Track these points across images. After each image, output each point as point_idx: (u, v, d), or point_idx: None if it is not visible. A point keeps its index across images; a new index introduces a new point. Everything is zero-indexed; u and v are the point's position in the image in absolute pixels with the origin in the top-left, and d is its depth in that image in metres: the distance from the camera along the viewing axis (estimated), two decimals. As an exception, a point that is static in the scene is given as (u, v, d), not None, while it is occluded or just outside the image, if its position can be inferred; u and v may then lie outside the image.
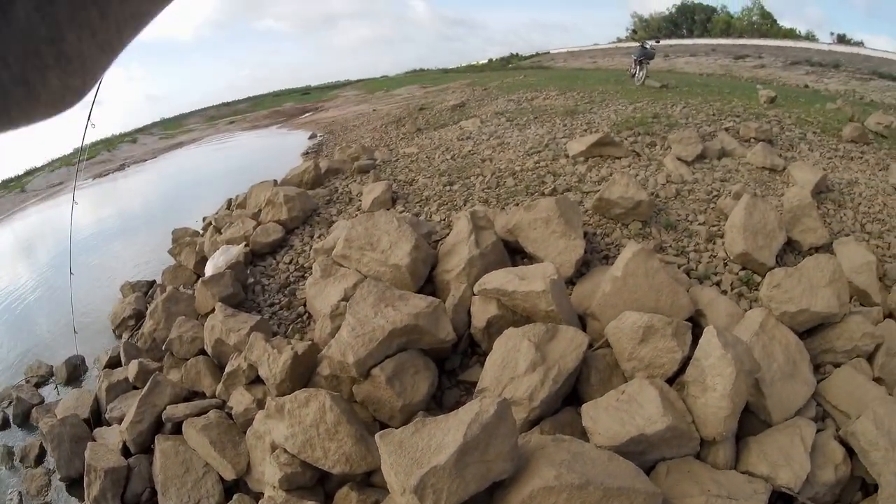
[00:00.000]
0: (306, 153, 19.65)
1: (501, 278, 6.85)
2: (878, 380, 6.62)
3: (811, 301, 6.70)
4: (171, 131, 40.65)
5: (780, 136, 13.66)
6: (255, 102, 56.43)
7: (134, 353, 9.13)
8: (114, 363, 9.36)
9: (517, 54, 75.40)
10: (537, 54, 75.95)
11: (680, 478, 5.15)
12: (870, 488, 5.49)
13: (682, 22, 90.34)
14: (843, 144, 13.83)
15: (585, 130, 13.60)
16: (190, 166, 26.84)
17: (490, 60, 72.11)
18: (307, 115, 35.46)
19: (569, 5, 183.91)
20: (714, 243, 8.65)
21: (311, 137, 23.70)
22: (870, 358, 6.82)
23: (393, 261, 7.75)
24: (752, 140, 12.97)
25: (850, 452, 5.57)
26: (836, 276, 7.01)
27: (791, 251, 8.76)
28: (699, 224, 9.16)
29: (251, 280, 10.09)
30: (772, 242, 8.15)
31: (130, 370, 8.52)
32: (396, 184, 12.28)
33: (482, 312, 6.91)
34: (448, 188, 11.46)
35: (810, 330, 6.95)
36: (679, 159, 11.25)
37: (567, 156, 11.81)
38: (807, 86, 35.46)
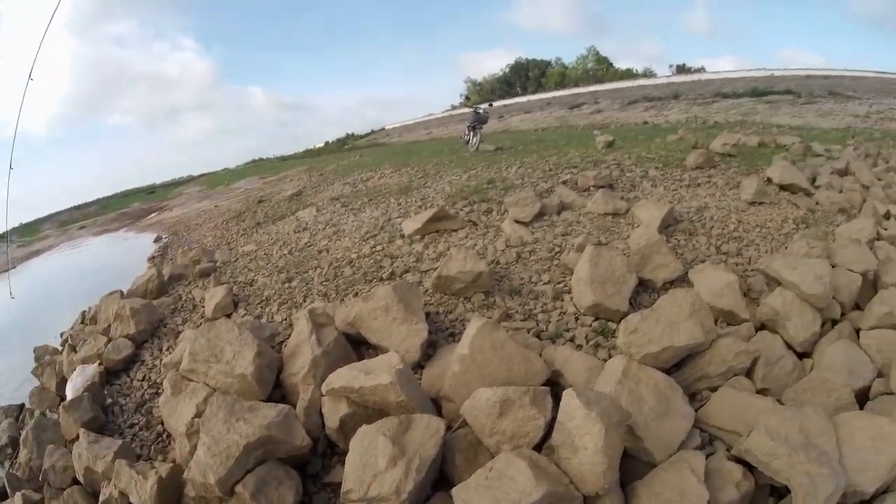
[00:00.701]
0: (152, 258, 19.46)
1: (347, 375, 6.72)
2: (763, 391, 6.98)
3: (673, 337, 6.88)
4: (28, 238, 39.87)
5: (620, 179, 14.32)
6: (104, 205, 55.47)
7: (16, 485, 8.69)
8: (2, 494, 8.90)
9: (353, 134, 79.66)
10: (372, 132, 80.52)
11: (576, 537, 5.07)
12: (782, 491, 5.68)
13: (516, 80, 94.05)
14: (689, 173, 14.67)
15: (420, 207, 13.83)
16: (46, 276, 26.29)
17: (327, 143, 75.39)
18: (153, 215, 35.82)
19: (401, 79, 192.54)
20: (562, 300, 8.78)
21: (156, 240, 23.54)
22: (749, 373, 7.19)
23: (238, 371, 7.50)
24: (592, 188, 13.52)
25: (750, 466, 5.75)
26: (696, 306, 7.25)
27: (646, 290, 9.01)
28: (544, 283, 9.30)
29: (109, 401, 9.59)
30: (622, 288, 8.38)
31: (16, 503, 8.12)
32: (237, 286, 12.03)
33: (333, 412, 6.77)
34: (287, 285, 11.28)
35: (679, 363, 7.18)
36: (517, 222, 11.51)
37: (403, 236, 11.95)
38: (646, 122, 37.80)
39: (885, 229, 11.32)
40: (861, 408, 6.77)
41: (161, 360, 10.33)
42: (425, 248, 11.28)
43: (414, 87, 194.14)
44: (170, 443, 8.32)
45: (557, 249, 10.47)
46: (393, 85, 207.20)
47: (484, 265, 9.00)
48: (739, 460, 5.88)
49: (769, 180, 13.88)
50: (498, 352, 6.82)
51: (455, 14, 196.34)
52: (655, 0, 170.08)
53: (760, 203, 12.66)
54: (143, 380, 10.14)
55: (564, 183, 14.12)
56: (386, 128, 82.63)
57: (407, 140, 53.88)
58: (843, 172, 15.89)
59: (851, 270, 8.99)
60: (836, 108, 35.31)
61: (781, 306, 7.97)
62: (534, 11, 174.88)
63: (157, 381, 9.84)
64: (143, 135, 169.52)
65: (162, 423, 8.65)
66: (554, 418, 5.83)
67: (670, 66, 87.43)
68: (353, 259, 11.60)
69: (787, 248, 10.34)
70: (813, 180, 14.56)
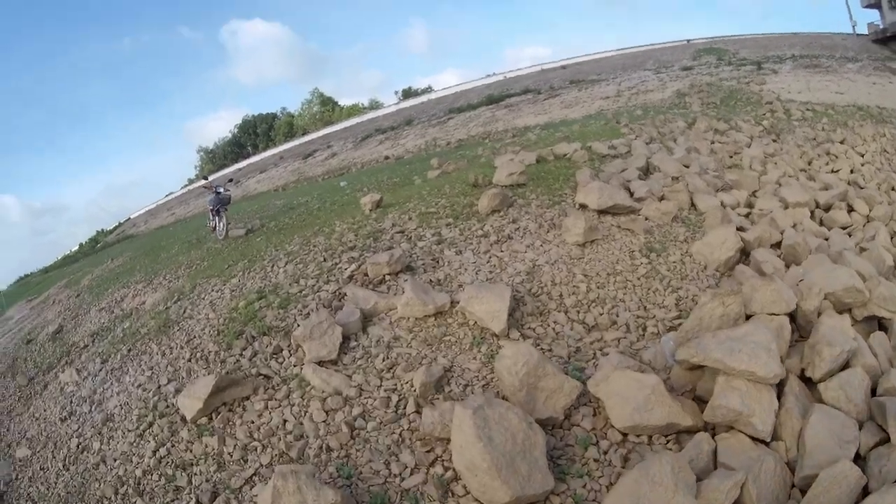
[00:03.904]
0: None
1: None
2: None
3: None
4: None
5: (414, 254, 11.65)
6: None
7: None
8: None
9: (102, 230, 73.20)
10: (120, 224, 75.58)
11: None
12: None
13: (247, 140, 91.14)
14: (489, 223, 12.48)
15: (190, 359, 10.20)
16: None
17: (81, 245, 68.27)
18: None
19: (136, 160, 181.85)
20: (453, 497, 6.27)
21: None
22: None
23: None
24: (388, 278, 10.74)
25: None
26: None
27: (550, 433, 6.83)
28: (414, 475, 6.63)
29: None
30: (536, 456, 6.11)
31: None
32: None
33: None
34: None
35: None
36: (321, 364, 8.59)
37: (185, 420, 8.39)
38: (387, 157, 35.16)
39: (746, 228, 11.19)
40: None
41: None
42: (221, 442, 7.80)
43: (149, 166, 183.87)
44: None
45: (400, 400, 7.81)
46: (129, 167, 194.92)
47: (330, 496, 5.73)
48: None
49: (582, 206, 12.19)
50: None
51: (173, 82, 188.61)
52: (368, 30, 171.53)
53: (592, 242, 11.09)
54: None
55: (352, 279, 11.02)
56: (132, 217, 77.80)
57: (153, 227, 49.92)
58: (646, 170, 14.88)
59: (774, 314, 7.81)
60: (581, 96, 34.87)
61: (741, 404, 6.31)
62: (251, 64, 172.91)
63: None
64: None
65: None
66: None
67: (395, 92, 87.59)
68: (139, 478, 8.02)
69: (679, 306, 9.30)
70: (628, 191, 13.20)
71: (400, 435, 7.15)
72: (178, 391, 9.23)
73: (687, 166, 15.11)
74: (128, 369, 11.32)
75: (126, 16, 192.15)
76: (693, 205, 13.08)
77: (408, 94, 79.90)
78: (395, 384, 8.03)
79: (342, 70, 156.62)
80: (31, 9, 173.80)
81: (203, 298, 12.91)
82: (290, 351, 9.23)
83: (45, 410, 12.38)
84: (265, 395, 8.30)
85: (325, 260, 12.20)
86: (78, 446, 9.79)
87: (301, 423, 7.65)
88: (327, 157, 46.11)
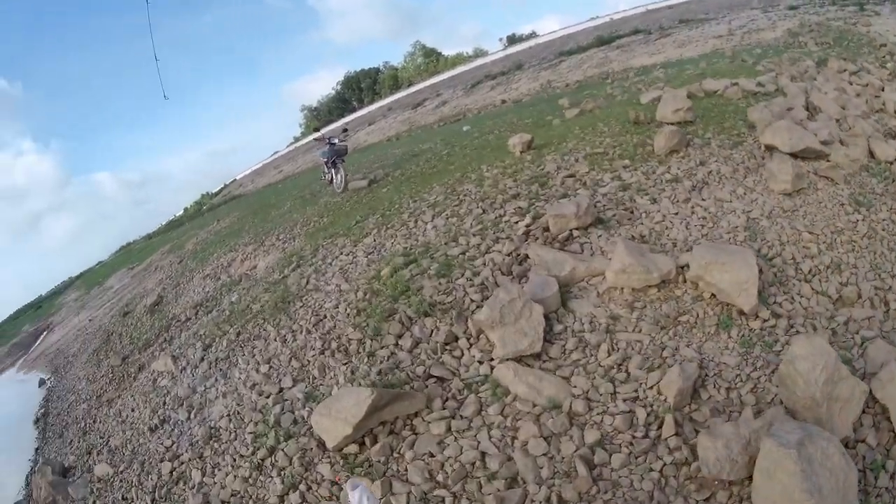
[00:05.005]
0: (36, 421, 15.41)
1: None
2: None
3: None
4: None
5: (598, 201, 8.96)
6: None
7: None
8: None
9: (207, 193, 73.18)
10: (225, 185, 75.57)
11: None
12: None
13: (351, 95, 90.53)
14: (674, 165, 9.74)
15: (323, 352, 7.72)
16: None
17: (185, 209, 68.44)
18: (40, 339, 32.27)
19: (236, 126, 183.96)
20: None
21: (41, 384, 19.49)
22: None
23: None
24: (575, 233, 8.09)
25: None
26: None
27: None
28: None
29: None
30: None
31: None
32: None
33: None
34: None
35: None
36: (521, 361, 6.08)
37: (324, 448, 6.04)
38: (503, 101, 32.51)
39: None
40: None
41: None
42: (386, 489, 5.36)
43: (251, 132, 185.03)
44: None
45: (648, 416, 5.46)
46: (230, 134, 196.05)
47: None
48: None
49: (769, 148, 9.77)
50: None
51: (266, 49, 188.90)
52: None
53: (799, 191, 8.72)
54: None
55: (529, 235, 8.40)
56: (237, 178, 77.80)
57: (260, 186, 48.99)
58: (812, 109, 12.40)
59: None
60: (693, 35, 31.90)
61: None
62: (344, 24, 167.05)
63: None
64: (13, 248, 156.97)
65: None
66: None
67: (500, 39, 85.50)
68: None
69: None
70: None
71: (661, 473, 4.88)
72: (308, 398, 6.90)
73: (843, 108, 12.49)
74: (237, 361, 9.11)
75: None
76: (870, 152, 10.55)
77: (513, 40, 77.51)
78: (636, 390, 5.66)
79: (440, 22, 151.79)
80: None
81: (330, 264, 10.58)
82: (468, 339, 6.75)
83: (132, 411, 10.56)
84: (444, 412, 5.86)
85: (483, 212, 9.64)
86: (171, 473, 7.64)
87: (509, 458, 5.20)
88: (438, 105, 43.74)
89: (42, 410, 16.07)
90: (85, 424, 11.95)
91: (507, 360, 6.05)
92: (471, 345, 6.61)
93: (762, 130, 10.00)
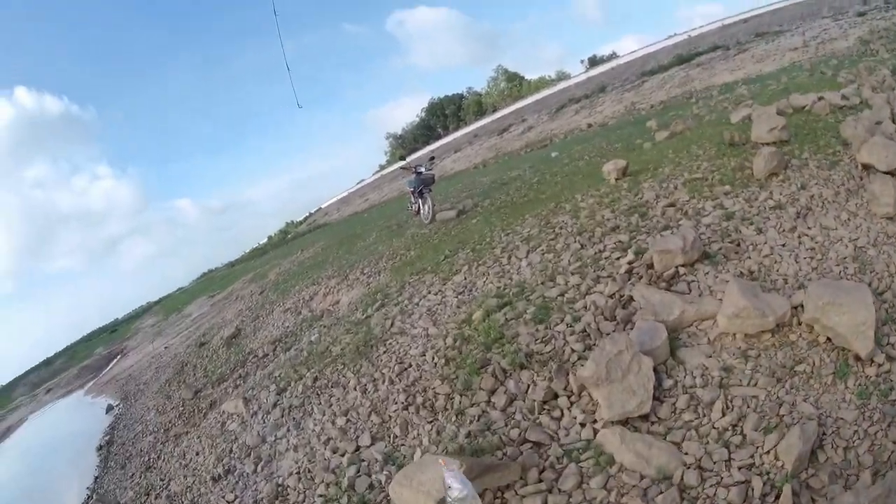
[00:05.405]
0: (99, 448, 15.62)
1: None
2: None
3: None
4: (1, 410, 36.36)
5: (704, 230, 8.21)
6: (70, 355, 51.68)
7: None
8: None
9: (292, 222, 75.24)
10: (310, 214, 78.47)
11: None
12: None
13: (436, 122, 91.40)
14: (777, 190, 8.85)
15: (407, 407, 7.09)
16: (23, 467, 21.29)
17: (269, 238, 70.93)
18: (113, 363, 33.86)
19: (322, 152, 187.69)
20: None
21: (108, 410, 20.02)
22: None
23: None
24: (680, 270, 7.33)
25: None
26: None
27: None
28: None
29: None
30: None
31: None
32: None
33: None
34: None
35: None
36: (628, 422, 5.48)
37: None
38: (590, 125, 32.05)
39: None
40: None
41: None
42: None
43: (337, 159, 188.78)
44: None
45: (765, 485, 4.74)
46: (314, 161, 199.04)
47: None
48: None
49: (866, 167, 8.92)
50: None
51: (347, 76, 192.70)
52: (540, 1, 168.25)
53: None
54: None
55: (632, 273, 7.65)
56: (323, 206, 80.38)
57: (346, 214, 49.62)
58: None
59: None
60: (770, 49, 31.43)
61: None
62: (425, 49, 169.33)
63: None
64: (91, 272, 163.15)
65: None
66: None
67: (581, 61, 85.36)
68: None
69: None
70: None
71: None
72: (388, 460, 6.34)
73: None
74: (312, 410, 8.64)
75: (281, 21, 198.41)
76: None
77: (594, 61, 77.15)
78: (752, 455, 4.91)
79: (520, 46, 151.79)
80: (185, 30, 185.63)
81: (417, 304, 10.05)
82: (568, 397, 6.05)
83: (197, 454, 10.27)
84: (541, 484, 5.18)
85: (582, 247, 8.96)
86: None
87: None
88: (524, 131, 43.52)
89: (107, 438, 16.13)
90: (149, 459, 11.82)
91: (613, 422, 5.37)
92: (571, 403, 5.90)
93: (858, 148, 9.13)
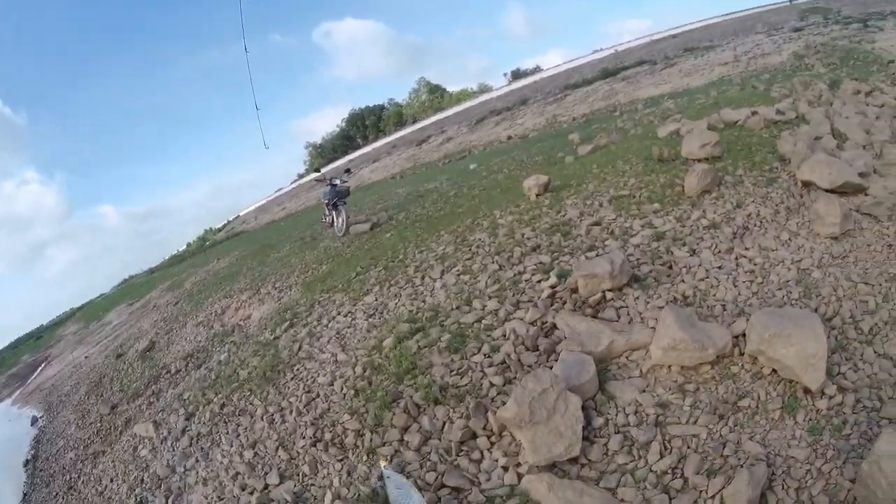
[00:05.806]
0: (26, 463, 14.91)
1: None
2: None
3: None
4: None
5: (633, 251, 7.83)
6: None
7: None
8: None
9: (211, 229, 73.17)
10: (228, 222, 77.22)
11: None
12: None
13: (356, 132, 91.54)
14: (710, 209, 8.60)
15: (315, 443, 6.56)
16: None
17: (188, 245, 68.20)
18: (37, 372, 32.10)
19: (244, 160, 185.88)
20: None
21: (33, 422, 19.16)
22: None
23: None
24: (607, 296, 6.88)
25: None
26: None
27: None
28: None
29: None
30: None
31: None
32: None
33: None
34: None
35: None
36: (556, 467, 4.96)
37: None
38: (509, 137, 32.07)
39: None
40: None
41: None
42: None
43: (257, 167, 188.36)
44: None
45: None
46: (235, 170, 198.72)
47: None
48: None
49: (806, 184, 8.83)
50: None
51: (272, 86, 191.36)
52: (465, 16, 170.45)
53: (845, 234, 7.59)
54: None
55: (555, 299, 7.18)
56: (241, 214, 79.40)
57: (263, 223, 49.17)
58: (839, 136, 11.30)
59: None
60: (699, 63, 31.86)
61: None
62: (351, 61, 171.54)
63: None
64: (16, 278, 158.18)
65: None
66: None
67: (505, 74, 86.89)
68: None
69: None
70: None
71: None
72: (298, 501, 5.76)
73: (868, 132, 11.36)
74: (220, 440, 8.02)
75: (210, 29, 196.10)
76: (906, 181, 9.53)
77: (517, 74, 78.10)
78: (695, 502, 4.50)
79: (445, 58, 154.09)
80: (120, 36, 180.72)
81: (326, 326, 9.47)
82: (488, 437, 5.54)
83: (111, 481, 9.62)
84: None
85: (500, 268, 8.46)
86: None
87: None
88: (443, 142, 43.22)
89: (32, 452, 15.43)
90: (70, 478, 11.23)
91: (539, 467, 4.86)
92: (492, 444, 5.38)
93: (798, 165, 9.01)
